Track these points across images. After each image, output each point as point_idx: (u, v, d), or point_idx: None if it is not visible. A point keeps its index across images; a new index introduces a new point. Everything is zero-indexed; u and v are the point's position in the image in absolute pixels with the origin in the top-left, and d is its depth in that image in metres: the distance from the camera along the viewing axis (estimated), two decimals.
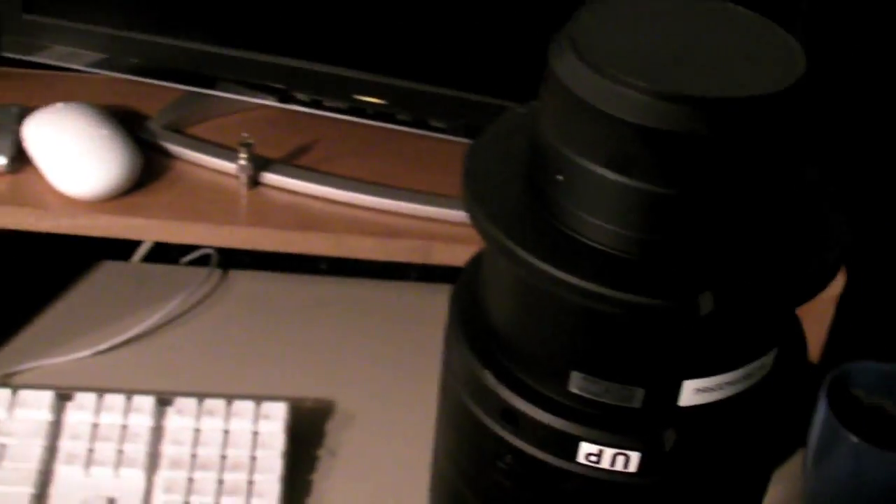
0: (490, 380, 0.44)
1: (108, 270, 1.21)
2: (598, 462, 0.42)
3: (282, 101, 1.02)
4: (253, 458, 0.99)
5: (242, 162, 0.99)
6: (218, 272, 1.21)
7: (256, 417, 1.02)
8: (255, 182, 1.00)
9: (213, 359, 1.10)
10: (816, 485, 1.02)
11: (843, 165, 1.12)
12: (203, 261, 1.22)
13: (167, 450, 0.99)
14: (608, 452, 0.42)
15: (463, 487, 0.48)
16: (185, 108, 1.07)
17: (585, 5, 0.41)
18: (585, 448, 0.42)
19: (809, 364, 1.03)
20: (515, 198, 0.42)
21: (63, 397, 1.01)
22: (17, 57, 1.05)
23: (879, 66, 1.14)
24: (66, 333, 1.11)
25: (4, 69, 1.11)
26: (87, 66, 1.05)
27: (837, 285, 0.98)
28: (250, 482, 0.97)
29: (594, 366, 0.42)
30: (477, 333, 0.45)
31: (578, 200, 0.39)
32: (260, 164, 1.01)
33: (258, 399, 1.02)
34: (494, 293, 0.44)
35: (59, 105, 1.02)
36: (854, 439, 0.96)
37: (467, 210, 0.42)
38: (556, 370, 0.42)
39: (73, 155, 0.98)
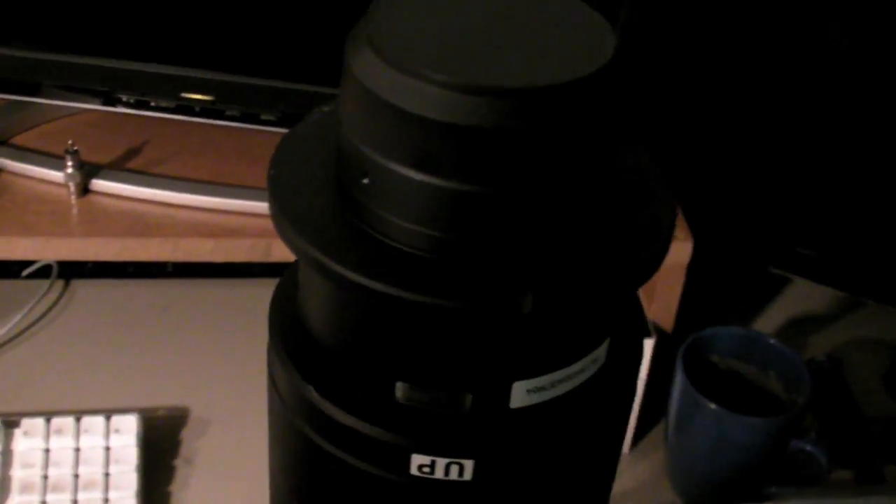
0: (314, 395, 0.42)
1: None
2: (432, 473, 0.41)
3: (106, 103, 0.98)
4: (107, 475, 0.96)
5: (70, 170, 0.95)
6: (60, 283, 1.17)
7: (108, 432, 0.98)
8: (84, 190, 0.97)
9: (60, 374, 1.07)
10: (678, 453, 1.03)
11: (689, 133, 1.13)
12: (44, 272, 1.17)
13: (17, 473, 0.95)
14: (441, 462, 0.40)
15: (286, 495, 0.46)
16: (7, 117, 1.03)
17: None
18: (417, 460, 0.40)
19: (664, 335, 1.03)
20: (322, 205, 0.39)
21: None
22: None
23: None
24: None
25: None
26: None
27: (685, 254, 0.98)
28: (105, 500, 0.94)
29: (418, 374, 0.40)
30: (298, 347, 0.43)
31: (386, 203, 0.37)
32: (88, 171, 0.97)
33: (108, 413, 0.99)
34: (312, 305, 0.42)
35: None
36: (713, 406, 0.96)
37: (274, 222, 0.40)
38: (380, 381, 0.40)
39: None
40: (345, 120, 0.39)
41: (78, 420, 0.99)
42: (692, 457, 1.01)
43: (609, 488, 0.51)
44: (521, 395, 0.41)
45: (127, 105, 0.98)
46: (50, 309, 1.14)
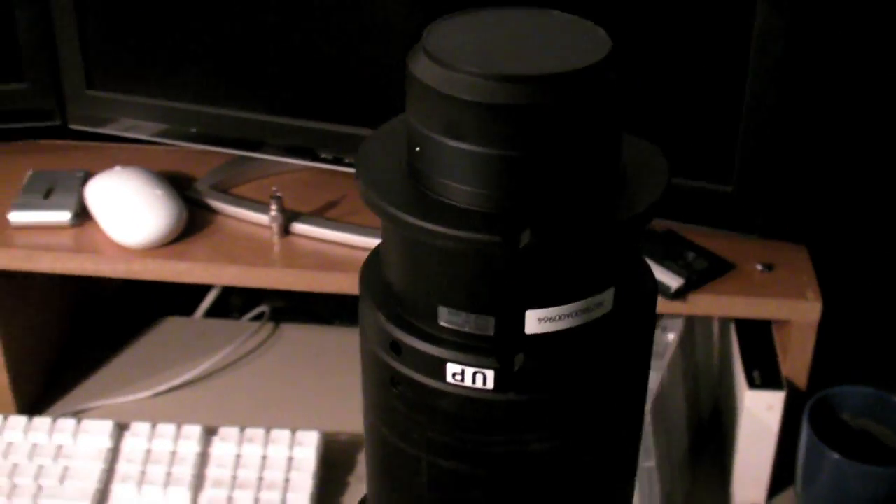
0: (381, 320, 0.54)
1: (172, 324, 1.34)
2: (462, 380, 0.53)
3: (310, 159, 1.14)
4: (287, 480, 1.10)
5: (273, 212, 1.12)
6: (270, 325, 1.33)
7: (292, 444, 1.13)
8: (285, 231, 1.13)
9: (259, 399, 1.22)
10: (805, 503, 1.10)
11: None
12: (259, 318, 1.34)
13: (211, 472, 1.10)
14: (469, 371, 0.52)
15: (373, 418, 0.58)
16: (227, 171, 1.21)
17: (435, 21, 0.53)
18: (451, 368, 0.52)
19: (798, 392, 1.11)
20: (393, 176, 0.53)
21: (121, 427, 1.14)
22: (82, 129, 1.20)
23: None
24: (129, 377, 1.24)
25: (72, 142, 1.26)
26: (147, 135, 1.19)
27: (815, 314, 1.06)
28: (283, 500, 1.08)
29: (456, 301, 0.52)
30: (376, 290, 0.55)
31: (433, 167, 0.50)
32: (289, 215, 1.13)
33: (294, 429, 1.13)
34: (386, 255, 0.55)
35: (118, 168, 1.16)
36: (835, 456, 1.03)
37: (361, 190, 0.53)
38: (428, 308, 0.53)
39: (126, 210, 1.11)
40: (408, 109, 0.52)
41: (268, 432, 1.13)
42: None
43: (632, 463, 0.61)
44: (533, 323, 0.52)
45: (325, 161, 1.14)
46: (261, 344, 1.31)
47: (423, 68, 0.51)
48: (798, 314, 1.06)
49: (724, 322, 1.14)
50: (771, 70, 0.96)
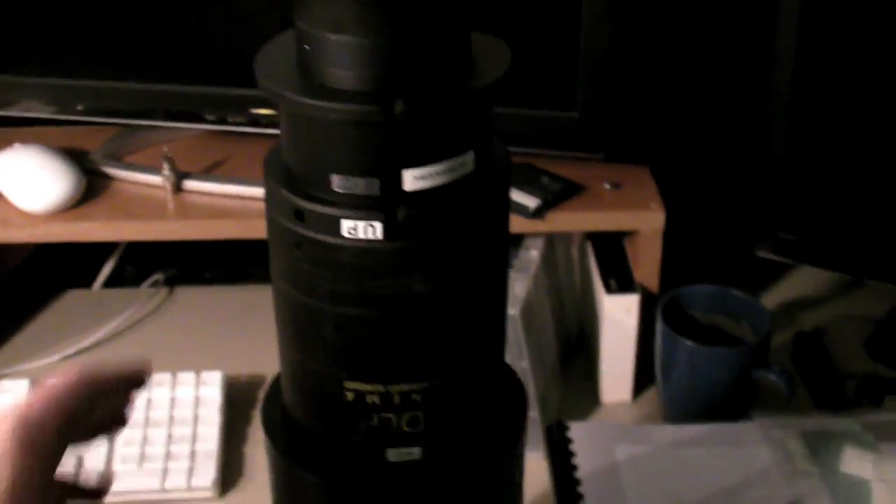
0: (285, 194, 0.65)
1: (73, 296, 1.43)
2: (356, 234, 0.64)
3: (196, 122, 1.25)
4: (196, 416, 1.20)
5: (165, 172, 1.22)
6: (165, 290, 1.43)
7: (197, 384, 1.22)
8: (178, 188, 1.23)
9: (163, 352, 1.32)
10: (666, 393, 1.22)
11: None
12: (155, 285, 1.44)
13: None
14: (361, 225, 0.64)
15: (282, 282, 0.69)
16: (120, 141, 1.31)
17: None
18: (346, 225, 0.64)
19: (651, 296, 1.24)
20: (287, 71, 0.64)
21: (36, 384, 1.22)
22: None
23: None
24: (38, 345, 1.33)
25: None
26: (42, 115, 1.28)
27: (659, 222, 1.20)
28: (194, 433, 1.18)
29: (345, 168, 0.63)
30: (279, 172, 0.67)
31: (319, 59, 0.62)
32: (180, 174, 1.23)
33: (198, 371, 1.23)
34: (285, 141, 0.66)
35: (17, 145, 1.25)
36: (688, 343, 1.16)
37: (258, 82, 0.64)
38: (323, 177, 0.64)
39: (29, 179, 1.21)
40: (296, 16, 0.63)
41: (174, 375, 1.23)
42: (676, 391, 1.21)
43: (501, 313, 0.73)
44: (410, 180, 0.64)
45: (211, 123, 1.24)
46: (159, 307, 1.40)
47: None
48: (644, 224, 1.19)
49: (582, 240, 1.27)
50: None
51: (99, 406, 0.66)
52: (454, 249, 0.66)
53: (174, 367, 1.25)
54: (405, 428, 0.70)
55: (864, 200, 1.23)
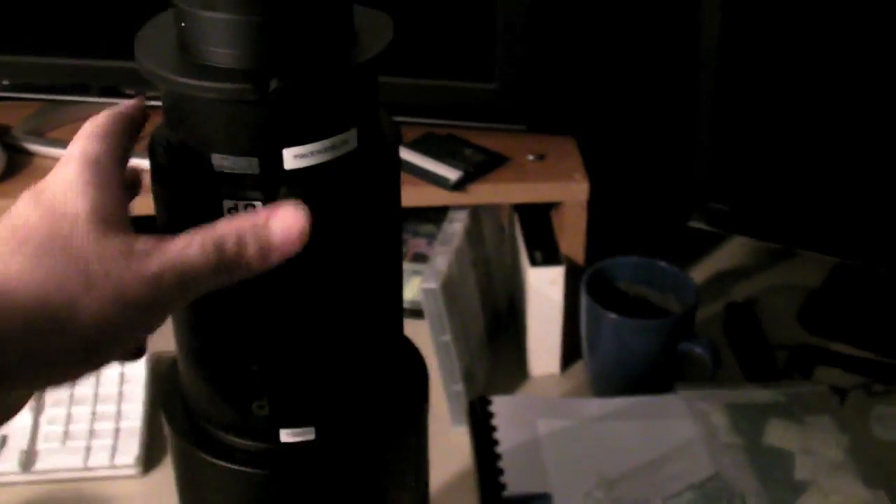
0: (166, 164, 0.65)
1: None
2: (236, 213, 0.63)
3: (115, 97, 1.23)
4: (120, 393, 1.19)
5: None
6: None
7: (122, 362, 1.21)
8: None
9: None
10: (592, 364, 1.22)
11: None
12: None
13: (49, 393, 1.19)
14: (241, 205, 0.63)
15: None
16: (40, 117, 1.29)
17: None
18: (227, 205, 0.63)
19: (576, 267, 1.24)
20: (166, 50, 0.63)
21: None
22: None
23: None
24: None
25: None
26: None
27: (583, 193, 1.19)
28: (118, 411, 1.17)
29: (224, 147, 0.62)
30: (161, 150, 0.66)
31: (196, 37, 0.61)
32: None
33: None
34: (165, 118, 0.65)
35: None
36: (612, 315, 1.16)
37: (136, 60, 0.63)
38: (203, 155, 0.63)
39: None
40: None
41: None
42: (602, 364, 1.21)
43: (394, 293, 0.73)
44: (290, 159, 0.63)
45: (129, 97, 1.22)
46: None
47: None
48: (568, 194, 1.19)
49: (510, 212, 1.26)
50: None
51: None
52: (339, 229, 0.65)
53: None
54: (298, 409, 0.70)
55: (795, 169, 1.23)
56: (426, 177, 1.16)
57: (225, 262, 0.58)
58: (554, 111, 1.26)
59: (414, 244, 1.32)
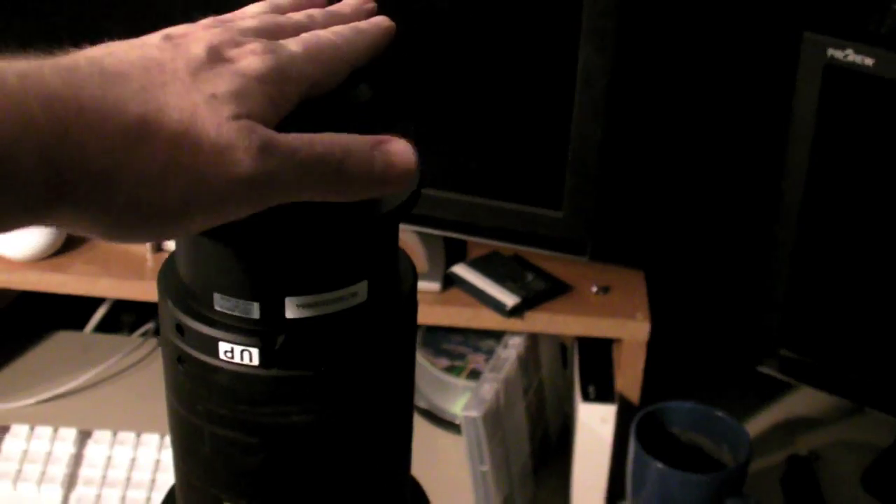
0: (169, 305, 0.63)
1: (62, 337, 1.42)
2: (232, 357, 0.61)
3: None
4: (153, 481, 1.18)
5: None
6: (154, 341, 1.41)
7: (160, 447, 1.20)
8: (158, 248, 1.21)
9: (135, 407, 1.30)
10: None
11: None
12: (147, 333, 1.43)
13: (83, 472, 1.18)
14: (237, 349, 0.61)
15: (168, 394, 0.67)
16: None
17: None
18: (223, 347, 0.61)
19: (631, 406, 1.20)
20: None
21: (2, 429, 1.21)
22: None
23: None
24: (16, 385, 1.32)
25: None
26: None
27: (644, 332, 1.15)
28: (148, 499, 1.16)
29: (226, 288, 0.61)
30: (170, 283, 0.64)
31: None
32: None
33: (163, 434, 1.21)
34: (177, 253, 0.64)
35: None
36: (658, 465, 1.12)
37: None
38: (206, 295, 0.61)
39: None
40: None
41: (138, 436, 1.21)
42: None
43: (400, 447, 0.70)
44: (293, 308, 0.61)
45: None
46: (144, 358, 1.39)
47: None
48: (628, 333, 1.15)
49: (571, 339, 1.23)
50: (594, 103, 1.05)
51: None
52: (339, 383, 0.63)
53: (144, 424, 1.23)
54: None
55: (872, 325, 1.18)
56: (484, 299, 1.13)
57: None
58: (621, 243, 1.23)
59: (473, 360, 1.29)
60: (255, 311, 0.61)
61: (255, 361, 0.61)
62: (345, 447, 0.66)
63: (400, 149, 0.56)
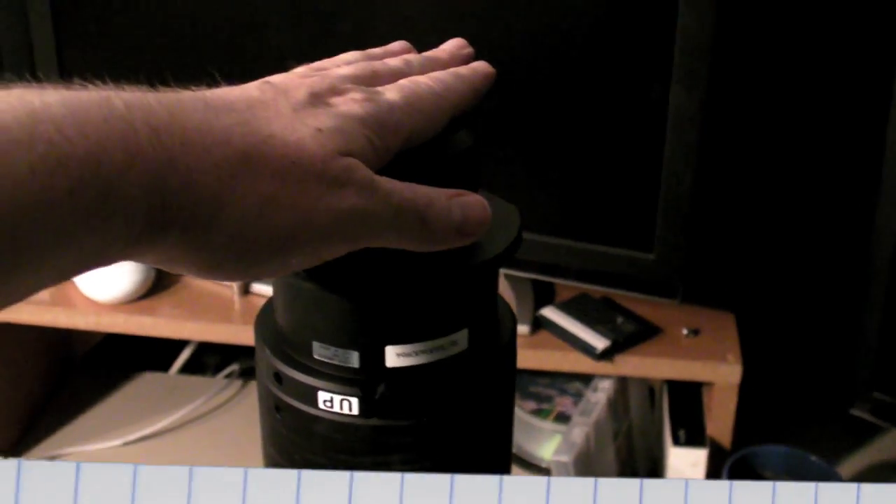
0: (267, 354, 0.62)
1: (148, 378, 1.43)
2: (331, 406, 0.60)
3: None
4: None
5: None
6: (238, 382, 1.41)
7: None
8: (245, 290, 1.21)
9: (221, 448, 1.30)
10: None
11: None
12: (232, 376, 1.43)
13: None
14: (337, 399, 0.60)
15: (264, 441, 0.66)
16: None
17: None
18: (322, 396, 0.60)
19: (721, 450, 1.18)
20: None
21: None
22: None
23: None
24: (103, 427, 1.32)
25: None
26: None
27: (736, 375, 1.13)
28: None
29: (326, 337, 0.60)
30: (267, 330, 0.64)
31: None
32: None
33: None
34: (275, 301, 0.63)
35: None
36: None
37: None
38: (304, 343, 0.61)
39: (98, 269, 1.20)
40: None
41: None
42: None
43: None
44: (392, 357, 0.60)
45: None
46: (228, 400, 1.39)
47: None
48: (719, 376, 1.13)
49: (661, 382, 1.21)
50: (685, 144, 1.04)
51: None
52: (440, 431, 0.62)
53: (228, 465, 1.23)
54: None
55: None
56: (573, 342, 1.12)
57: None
58: (711, 285, 1.21)
59: (560, 403, 1.28)
60: (354, 359, 0.61)
61: (355, 411, 0.61)
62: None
63: (474, 201, 0.55)
